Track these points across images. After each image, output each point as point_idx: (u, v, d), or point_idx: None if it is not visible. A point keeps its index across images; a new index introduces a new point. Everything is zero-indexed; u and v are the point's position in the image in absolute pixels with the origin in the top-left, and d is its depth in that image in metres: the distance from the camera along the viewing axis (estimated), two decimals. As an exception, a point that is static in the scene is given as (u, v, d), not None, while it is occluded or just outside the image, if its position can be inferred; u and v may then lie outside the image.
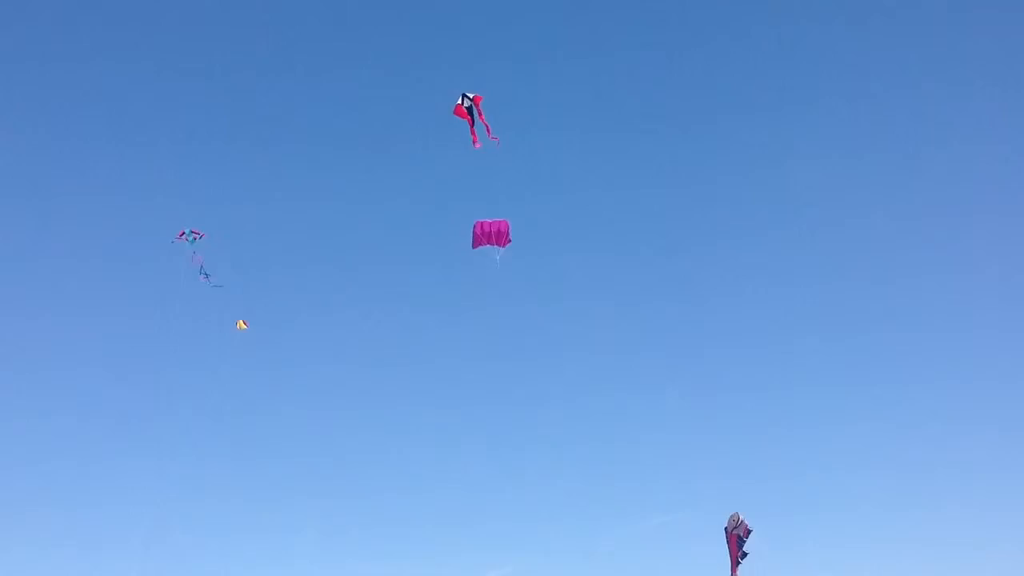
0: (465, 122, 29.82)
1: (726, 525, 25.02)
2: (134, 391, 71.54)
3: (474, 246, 32.28)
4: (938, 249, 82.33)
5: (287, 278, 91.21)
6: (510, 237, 31.93)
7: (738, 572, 24.93)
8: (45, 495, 62.74)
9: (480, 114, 30.02)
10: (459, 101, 29.94)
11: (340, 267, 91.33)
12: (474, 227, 32.11)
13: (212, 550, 62.68)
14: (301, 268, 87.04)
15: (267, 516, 64.46)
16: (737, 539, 24.72)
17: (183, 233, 36.97)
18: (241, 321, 37.77)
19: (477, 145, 30.28)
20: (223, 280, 36.79)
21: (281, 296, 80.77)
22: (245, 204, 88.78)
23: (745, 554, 24.76)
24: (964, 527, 65.06)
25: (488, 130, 30.06)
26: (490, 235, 31.91)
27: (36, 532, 59.79)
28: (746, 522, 24.75)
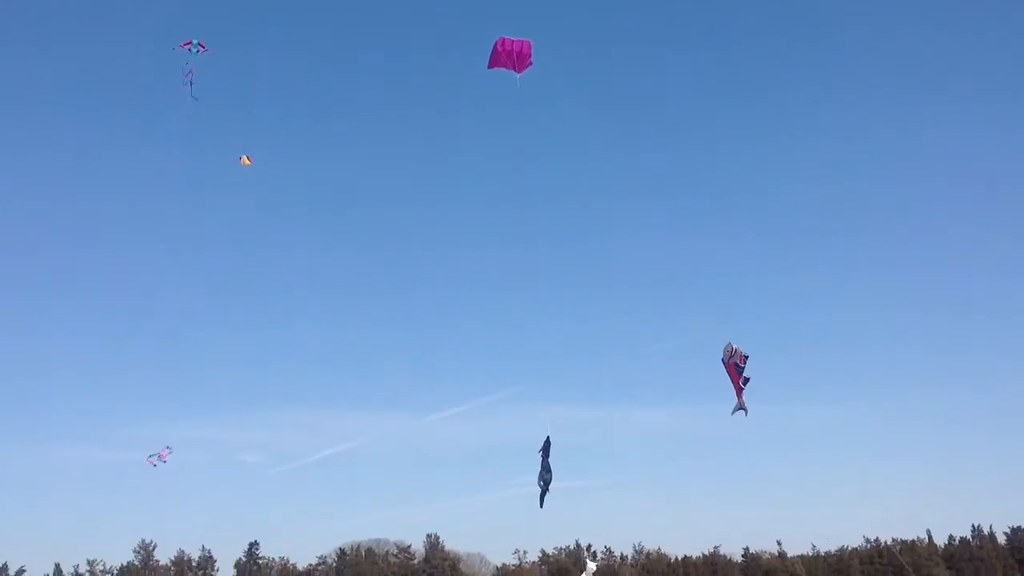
0: None
1: (722, 356, 25.09)
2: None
3: (490, 66, 30.18)
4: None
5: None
6: (532, 59, 30.19)
7: (744, 397, 25.30)
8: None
9: None
10: None
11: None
12: (495, 44, 29.60)
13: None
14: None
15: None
16: (735, 367, 24.77)
17: (189, 43, 35.34)
18: (245, 156, 36.24)
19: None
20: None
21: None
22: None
23: (747, 379, 25.47)
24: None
25: None
26: (511, 55, 30.05)
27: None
28: (740, 349, 24.83)
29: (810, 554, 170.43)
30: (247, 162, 36.32)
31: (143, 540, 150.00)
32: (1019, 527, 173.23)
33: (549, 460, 27.80)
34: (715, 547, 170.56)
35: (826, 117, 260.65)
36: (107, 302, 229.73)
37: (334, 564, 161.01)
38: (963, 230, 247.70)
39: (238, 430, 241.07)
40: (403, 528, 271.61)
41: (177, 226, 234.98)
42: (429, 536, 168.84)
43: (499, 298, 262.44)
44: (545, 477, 27.91)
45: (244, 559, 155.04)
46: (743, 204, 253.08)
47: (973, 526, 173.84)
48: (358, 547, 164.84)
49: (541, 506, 28.68)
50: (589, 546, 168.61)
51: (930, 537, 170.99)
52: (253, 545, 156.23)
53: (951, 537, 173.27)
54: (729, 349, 25.57)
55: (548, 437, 27.51)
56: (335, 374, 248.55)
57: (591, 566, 37.44)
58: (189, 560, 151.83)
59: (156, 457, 34.22)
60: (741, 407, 25.40)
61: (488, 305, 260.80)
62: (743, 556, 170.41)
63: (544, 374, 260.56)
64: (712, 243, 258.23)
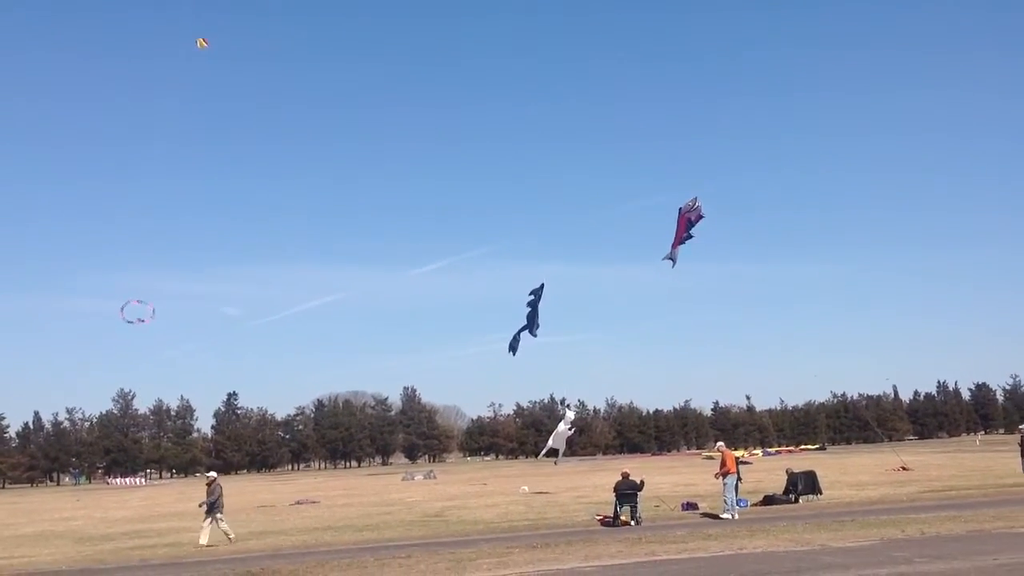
0: None
1: (681, 206, 24.60)
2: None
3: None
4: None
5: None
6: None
7: (678, 250, 24.97)
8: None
9: None
10: None
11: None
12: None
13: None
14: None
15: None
16: (687, 221, 24.31)
17: None
18: (201, 39, 34.88)
19: None
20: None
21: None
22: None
23: (691, 236, 24.74)
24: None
25: None
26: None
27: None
28: (701, 206, 24.31)
29: (778, 408, 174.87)
30: (203, 45, 34.73)
31: (122, 389, 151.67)
32: (984, 383, 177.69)
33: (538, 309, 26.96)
34: (686, 401, 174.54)
35: None
36: (85, 146, 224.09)
37: (312, 415, 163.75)
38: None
39: (219, 282, 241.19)
40: (381, 381, 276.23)
41: (164, 72, 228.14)
42: (406, 389, 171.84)
43: (483, 153, 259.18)
44: (528, 326, 27.11)
45: (223, 409, 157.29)
46: (730, 65, 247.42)
47: (939, 382, 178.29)
48: (336, 398, 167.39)
49: (512, 352, 27.88)
50: (563, 399, 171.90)
51: (896, 393, 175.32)
52: (232, 395, 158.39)
53: (916, 392, 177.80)
54: (692, 203, 24.98)
55: (543, 284, 26.66)
56: (317, 228, 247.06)
57: (569, 414, 37.60)
58: (168, 409, 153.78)
59: (139, 315, 33.52)
60: (671, 257, 25.06)
61: (471, 161, 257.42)
62: (713, 410, 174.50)
63: (523, 231, 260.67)
64: (695, 101, 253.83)
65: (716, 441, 31.58)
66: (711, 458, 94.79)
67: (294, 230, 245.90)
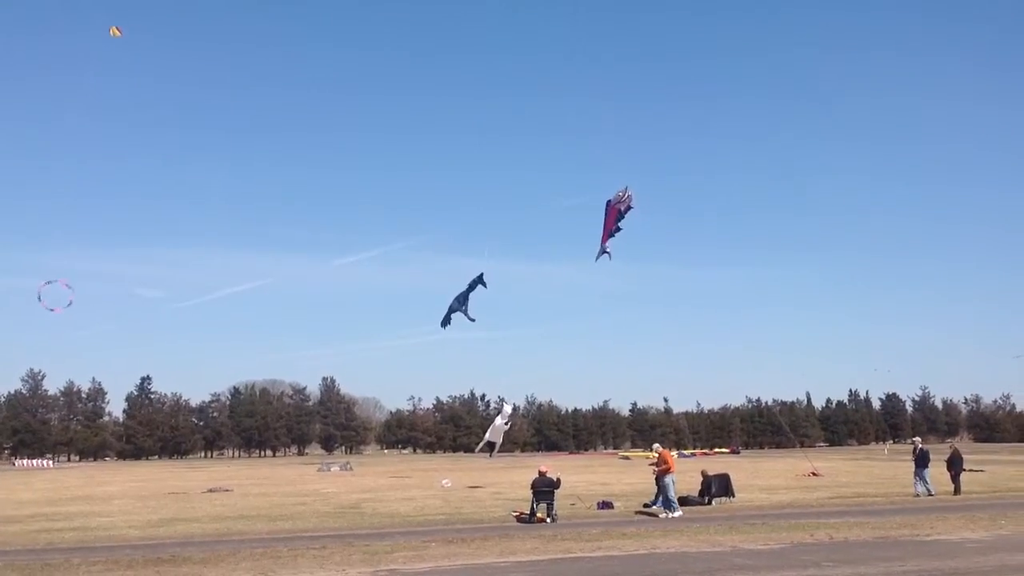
0: None
1: (610, 198, 23.99)
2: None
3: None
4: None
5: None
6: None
7: (608, 243, 24.42)
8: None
9: None
10: None
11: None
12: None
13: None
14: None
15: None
16: (617, 213, 23.76)
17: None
18: (114, 28, 34.08)
19: None
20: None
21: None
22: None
23: (620, 228, 24.17)
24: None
25: None
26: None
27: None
28: (632, 196, 23.80)
29: (694, 411, 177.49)
30: (116, 34, 34.24)
31: (31, 369, 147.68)
32: (894, 394, 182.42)
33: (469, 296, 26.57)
34: (605, 401, 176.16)
35: None
36: None
37: (227, 402, 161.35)
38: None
39: (138, 264, 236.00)
40: (300, 371, 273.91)
41: (80, 48, 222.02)
42: (325, 379, 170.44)
43: (416, 144, 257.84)
44: (458, 306, 26.69)
45: (135, 393, 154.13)
46: (672, 67, 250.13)
47: (850, 391, 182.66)
48: (253, 386, 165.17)
49: (443, 326, 27.45)
50: (483, 395, 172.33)
51: (809, 400, 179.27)
52: (146, 379, 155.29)
53: (828, 400, 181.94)
54: (622, 193, 24.62)
55: (482, 274, 26.25)
56: (242, 212, 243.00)
57: (507, 408, 37.53)
58: (79, 391, 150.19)
59: (58, 302, 32.50)
60: (605, 251, 24.77)
61: (401, 152, 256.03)
62: (631, 411, 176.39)
63: (450, 225, 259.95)
64: (629, 101, 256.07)
65: (654, 443, 31.38)
66: (627, 458, 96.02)
67: (219, 214, 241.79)
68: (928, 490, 32.25)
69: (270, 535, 22.77)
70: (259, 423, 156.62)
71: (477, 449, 41.72)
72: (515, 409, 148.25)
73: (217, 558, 17.68)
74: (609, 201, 24.80)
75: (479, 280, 26.22)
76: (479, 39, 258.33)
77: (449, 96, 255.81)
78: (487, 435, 34.23)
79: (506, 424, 34.13)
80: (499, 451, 35.26)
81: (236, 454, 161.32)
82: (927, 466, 33.02)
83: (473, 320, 26.74)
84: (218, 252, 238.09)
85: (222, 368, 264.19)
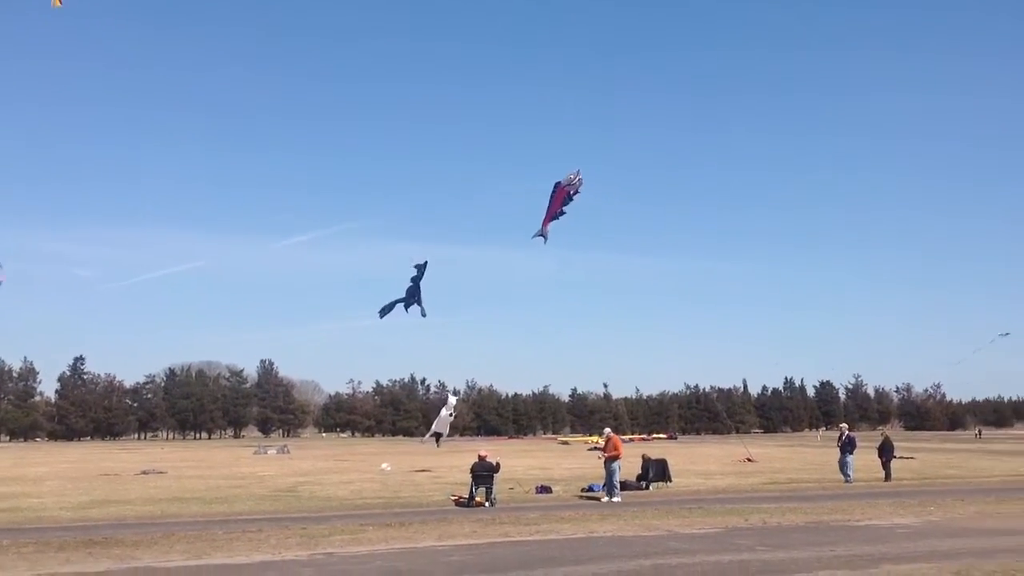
0: None
1: (560, 180, 23.45)
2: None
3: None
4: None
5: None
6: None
7: (549, 227, 23.97)
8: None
9: None
10: None
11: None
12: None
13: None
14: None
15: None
16: (565, 195, 23.26)
17: None
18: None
19: None
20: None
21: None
22: None
23: (563, 212, 23.75)
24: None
25: None
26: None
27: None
28: (582, 180, 23.40)
29: (633, 397, 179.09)
30: (57, 4, 33.55)
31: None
32: (827, 381, 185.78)
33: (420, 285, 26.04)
34: (544, 386, 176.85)
35: None
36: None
37: (162, 383, 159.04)
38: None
39: (72, 243, 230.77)
40: (238, 353, 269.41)
41: (12, 28, 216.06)
42: (263, 362, 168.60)
43: (354, 127, 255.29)
44: (411, 301, 26.16)
45: (68, 373, 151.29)
46: (633, 61, 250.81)
47: (785, 378, 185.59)
48: (189, 368, 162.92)
49: (382, 316, 26.93)
50: (423, 380, 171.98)
51: (745, 387, 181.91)
52: (79, 360, 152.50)
53: (764, 387, 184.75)
54: (573, 176, 24.24)
55: (426, 261, 25.70)
56: (180, 192, 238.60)
57: (452, 399, 37.58)
58: (9, 371, 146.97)
59: None
60: (542, 234, 24.40)
61: (340, 135, 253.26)
62: (570, 396, 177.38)
63: (390, 209, 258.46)
64: (578, 90, 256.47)
65: (605, 428, 31.29)
66: (566, 443, 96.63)
67: (156, 193, 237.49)
68: (846, 476, 32.94)
69: (205, 518, 22.48)
70: (195, 405, 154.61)
71: (423, 440, 41.76)
72: (458, 398, 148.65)
73: (150, 540, 17.40)
74: (559, 183, 24.37)
75: (422, 269, 25.85)
76: (422, 21, 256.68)
77: (388, 80, 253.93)
78: (433, 426, 34.28)
79: (451, 415, 34.23)
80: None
81: (171, 436, 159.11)
82: (852, 453, 33.74)
83: (425, 316, 26.36)
84: (155, 232, 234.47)
85: (158, 350, 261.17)
